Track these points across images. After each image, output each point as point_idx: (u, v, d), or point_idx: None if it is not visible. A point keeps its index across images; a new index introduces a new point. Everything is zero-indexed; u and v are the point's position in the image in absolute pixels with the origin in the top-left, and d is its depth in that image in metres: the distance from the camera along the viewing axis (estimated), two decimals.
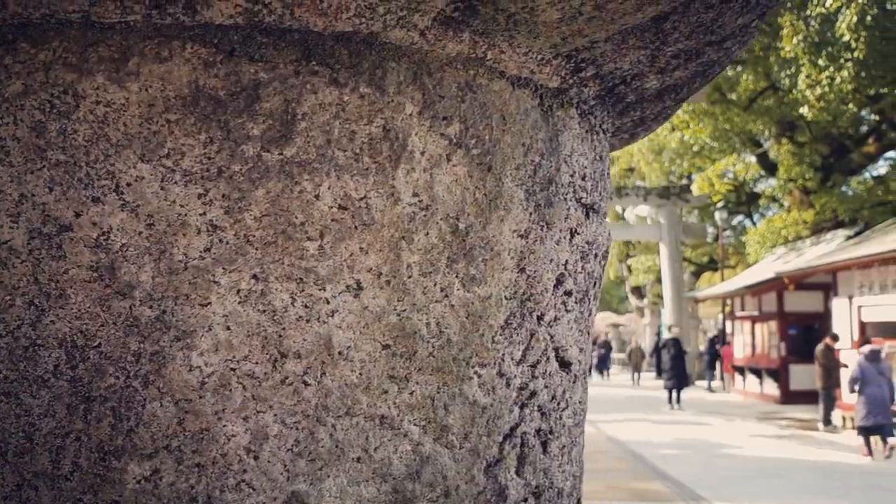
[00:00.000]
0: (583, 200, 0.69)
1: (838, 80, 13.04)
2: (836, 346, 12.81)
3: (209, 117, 0.52)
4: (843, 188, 18.58)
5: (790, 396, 16.53)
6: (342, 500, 0.55)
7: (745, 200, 24.63)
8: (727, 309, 20.84)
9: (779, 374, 17.27)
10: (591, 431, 13.22)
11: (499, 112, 0.61)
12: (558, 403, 0.69)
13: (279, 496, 0.53)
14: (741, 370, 19.52)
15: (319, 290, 0.54)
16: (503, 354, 0.62)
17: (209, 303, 0.53)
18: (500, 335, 0.62)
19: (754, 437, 12.41)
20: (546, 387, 0.66)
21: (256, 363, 0.53)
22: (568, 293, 0.69)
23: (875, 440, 10.45)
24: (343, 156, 0.54)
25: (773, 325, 17.50)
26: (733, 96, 16.98)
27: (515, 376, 0.63)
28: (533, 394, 0.65)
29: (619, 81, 0.70)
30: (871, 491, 8.11)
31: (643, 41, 0.63)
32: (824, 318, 15.98)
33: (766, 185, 21.68)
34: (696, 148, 18.38)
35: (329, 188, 0.54)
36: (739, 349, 19.49)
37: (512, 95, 0.62)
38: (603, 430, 13.35)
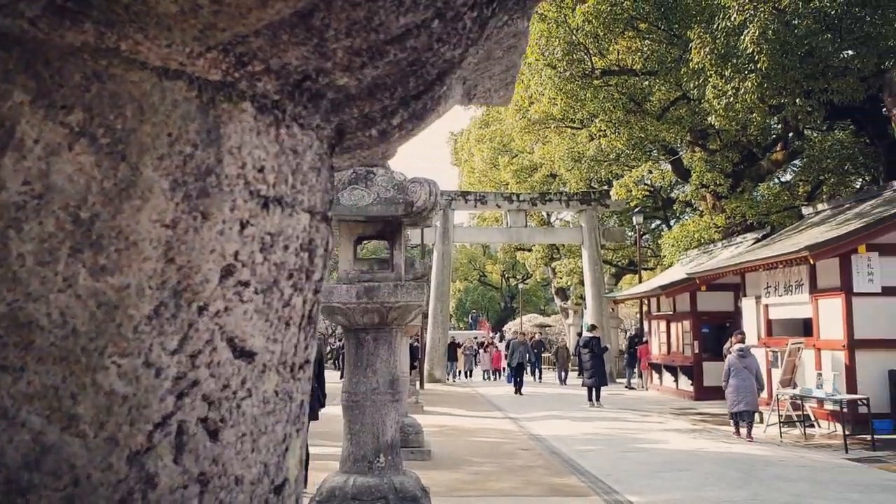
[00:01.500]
0: (261, 192, 0.71)
1: (742, 90, 13.70)
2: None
3: None
4: (753, 193, 19.51)
5: (704, 392, 17.21)
6: None
7: (661, 205, 25.62)
8: (644, 309, 21.55)
9: (693, 371, 17.94)
10: (514, 429, 13.43)
11: (136, 102, 0.61)
12: (234, 392, 0.70)
13: None
14: (658, 368, 20.18)
15: None
16: (151, 344, 0.63)
17: None
18: (146, 325, 0.62)
19: (668, 431, 12.88)
20: (213, 376, 0.67)
21: None
22: (244, 284, 0.70)
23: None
24: None
25: (687, 324, 18.19)
26: (648, 106, 17.60)
27: (169, 366, 0.64)
28: (195, 383, 0.66)
29: (302, 77, 0.72)
30: (772, 481, 8.54)
31: (298, 37, 0.65)
32: (735, 317, 16.71)
33: (681, 191, 22.58)
34: (613, 156, 18.95)
35: None
36: (656, 347, 20.16)
37: (156, 86, 0.63)
38: (525, 428, 13.58)
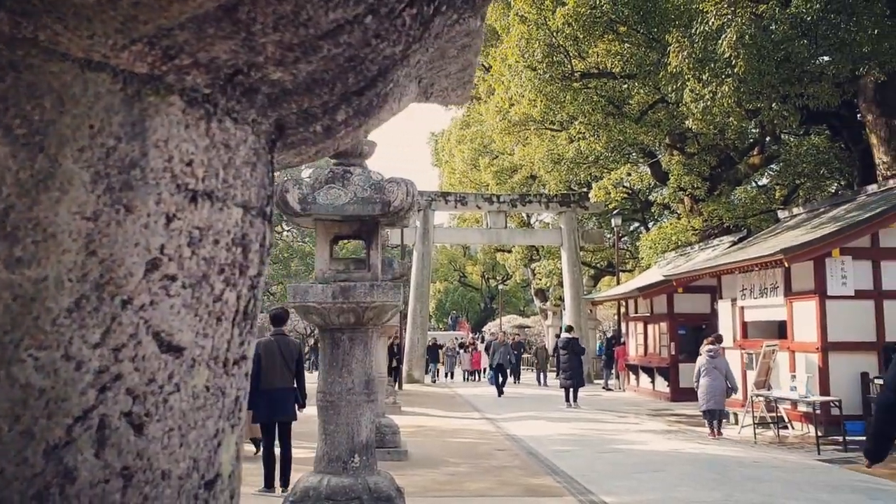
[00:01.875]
0: (188, 186, 0.70)
1: (720, 94, 13.84)
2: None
3: None
4: (730, 197, 19.73)
5: (680, 394, 17.36)
6: None
7: (639, 208, 25.87)
8: (622, 310, 21.69)
9: (669, 373, 18.08)
10: (491, 430, 13.46)
11: (55, 93, 0.61)
12: (161, 387, 0.69)
13: None
14: (635, 369, 20.31)
15: None
16: (71, 337, 0.62)
17: None
18: (66, 318, 0.62)
19: (644, 432, 12.98)
20: (138, 370, 0.67)
21: None
22: (170, 278, 0.69)
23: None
24: None
25: (664, 325, 18.33)
26: (626, 109, 17.73)
27: (91, 359, 0.63)
28: (118, 377, 0.66)
29: (234, 71, 0.72)
30: (745, 482, 8.64)
31: (224, 31, 0.65)
32: (711, 319, 16.87)
33: (659, 194, 22.77)
34: (592, 158, 19.06)
35: None
36: (633, 349, 20.29)
37: (78, 78, 0.62)
38: (502, 429, 13.60)
